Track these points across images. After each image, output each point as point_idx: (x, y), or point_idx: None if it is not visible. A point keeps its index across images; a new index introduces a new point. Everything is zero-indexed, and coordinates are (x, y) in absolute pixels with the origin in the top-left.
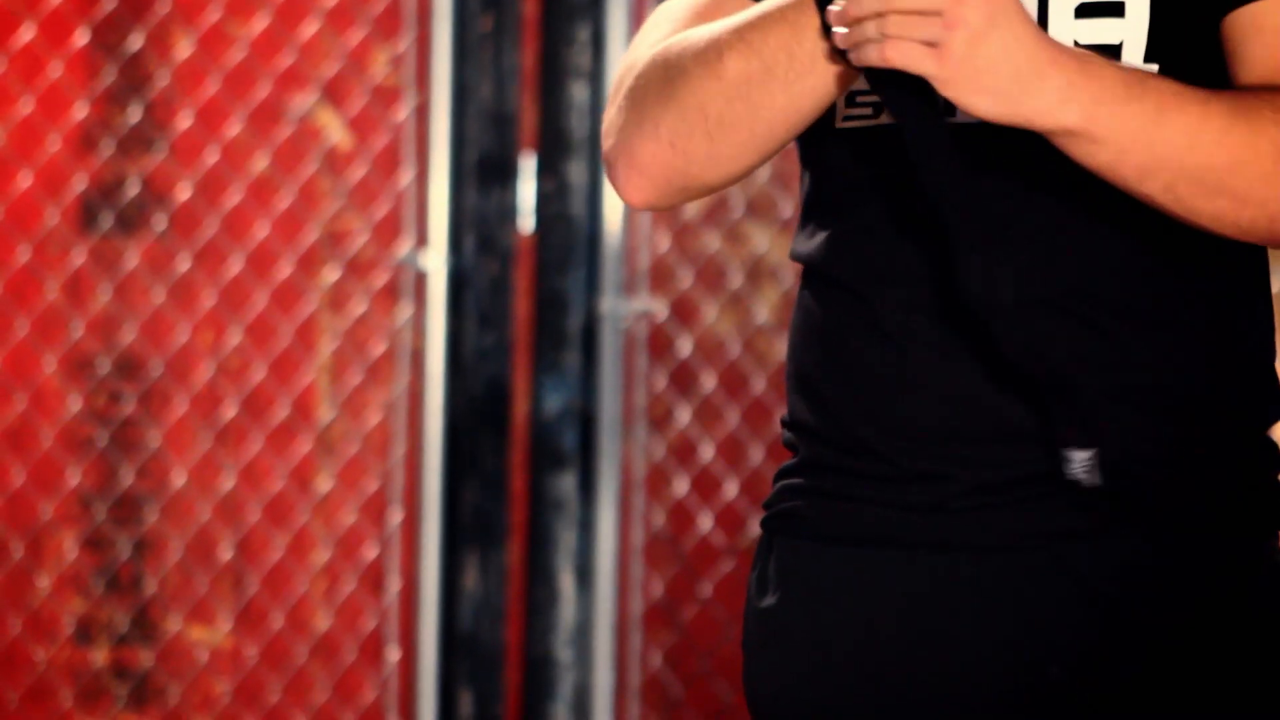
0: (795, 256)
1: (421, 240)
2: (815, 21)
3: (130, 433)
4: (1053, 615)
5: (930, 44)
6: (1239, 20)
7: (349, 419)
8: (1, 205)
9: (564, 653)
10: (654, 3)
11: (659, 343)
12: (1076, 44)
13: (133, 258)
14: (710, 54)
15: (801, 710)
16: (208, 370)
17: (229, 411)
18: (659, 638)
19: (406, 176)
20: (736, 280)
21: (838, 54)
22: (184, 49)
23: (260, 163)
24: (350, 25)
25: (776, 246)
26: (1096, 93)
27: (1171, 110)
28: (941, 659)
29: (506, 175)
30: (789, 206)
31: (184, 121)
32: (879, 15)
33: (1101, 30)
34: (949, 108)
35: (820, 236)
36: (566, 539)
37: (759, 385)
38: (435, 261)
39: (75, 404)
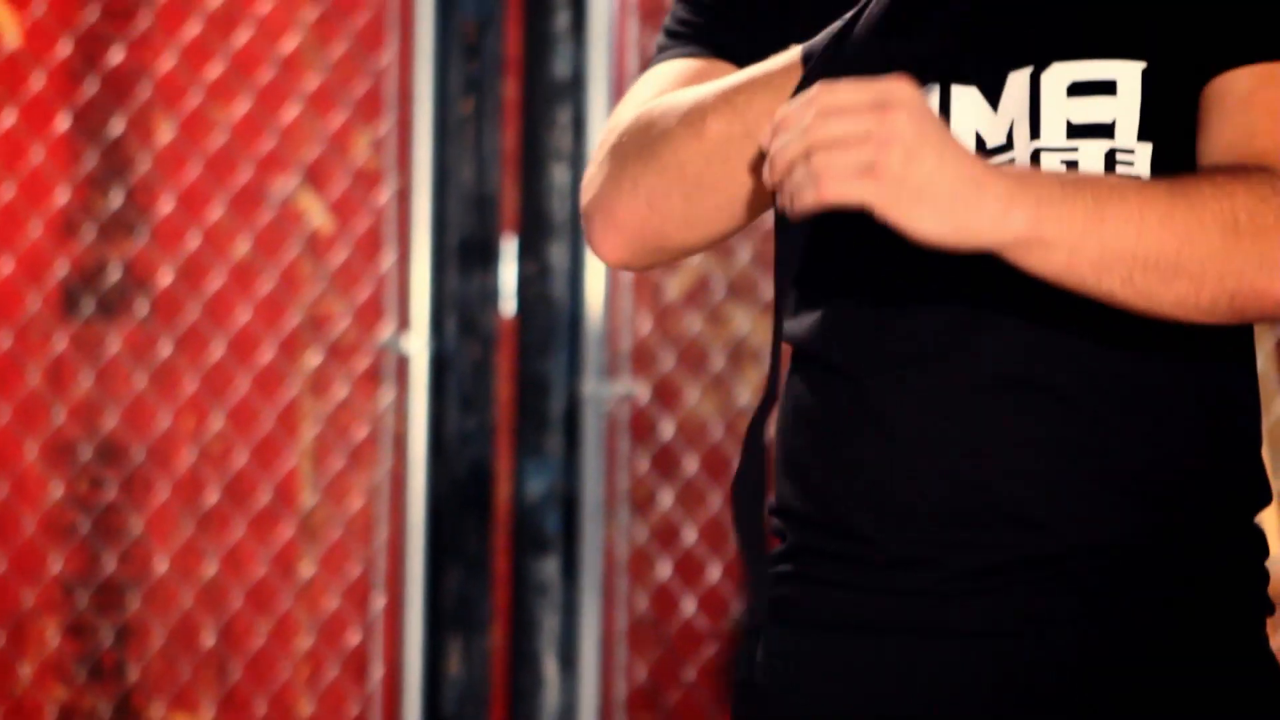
0: (786, 336)
1: (403, 323)
2: (792, 79)
3: (112, 519)
4: (1043, 700)
5: (864, 169)
6: (1210, 91)
7: (331, 504)
8: None
9: None
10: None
11: (641, 425)
12: (1069, 123)
13: (114, 343)
14: (694, 114)
15: None
16: (190, 455)
17: (211, 497)
18: None
19: (388, 260)
20: (719, 362)
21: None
22: (165, 133)
23: (242, 247)
24: (331, 109)
25: (759, 328)
26: (1037, 196)
27: (1113, 201)
28: None
29: (488, 258)
30: (770, 288)
31: (165, 206)
32: (806, 155)
33: (1094, 109)
34: None
35: (809, 319)
36: (550, 623)
37: None
38: (417, 345)
39: (57, 490)
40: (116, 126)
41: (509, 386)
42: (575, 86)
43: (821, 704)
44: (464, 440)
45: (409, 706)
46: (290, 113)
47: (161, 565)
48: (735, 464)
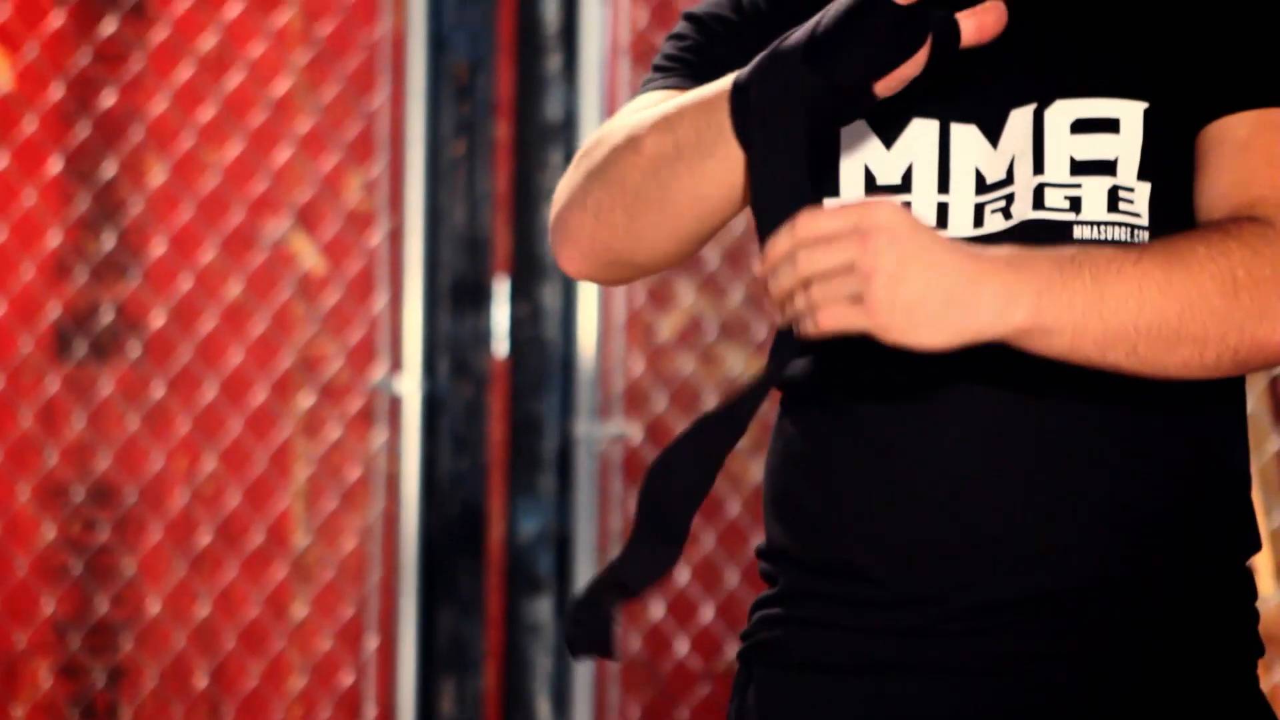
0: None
1: (396, 365)
2: (725, 107)
3: (104, 560)
4: None
5: (853, 300)
6: (1207, 134)
7: (324, 544)
8: None
9: None
10: None
11: (634, 466)
12: (1073, 159)
13: (107, 385)
14: (636, 131)
15: None
16: (182, 497)
17: (204, 538)
18: None
19: (380, 301)
20: (711, 403)
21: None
22: (157, 176)
23: (234, 288)
24: (323, 151)
25: (751, 368)
26: (1034, 284)
27: (1110, 277)
28: None
29: (480, 299)
30: (763, 328)
31: (158, 248)
32: (803, 286)
33: (1096, 146)
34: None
35: (802, 360)
36: (543, 664)
37: (734, 508)
38: (409, 386)
39: (49, 531)
40: (109, 169)
41: (501, 427)
42: (567, 128)
43: None
44: (456, 481)
45: None
46: (282, 155)
47: (154, 606)
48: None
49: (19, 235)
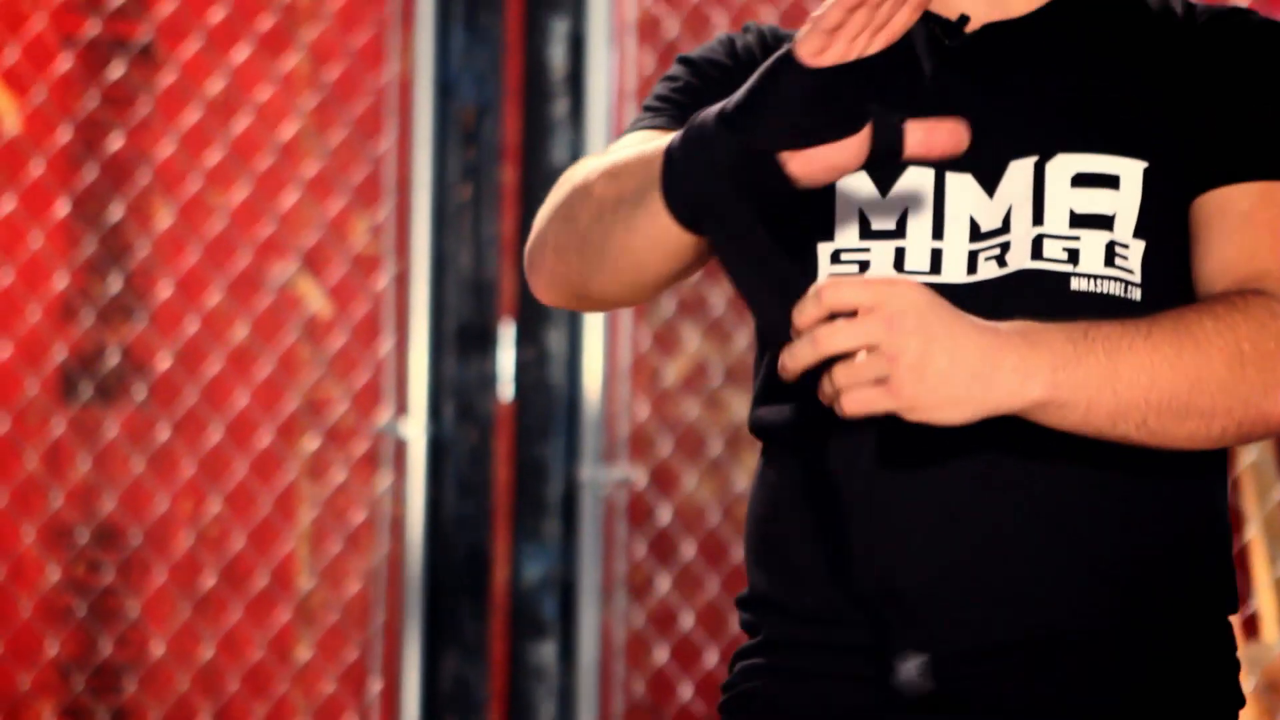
0: (763, 426)
1: (401, 408)
2: (659, 161)
3: (109, 602)
4: None
5: (879, 383)
6: (1208, 202)
7: (328, 588)
8: None
9: None
10: None
11: (639, 510)
12: (1073, 212)
13: (112, 427)
14: (591, 176)
15: None
16: (187, 539)
17: (208, 580)
18: None
19: (386, 345)
20: (716, 448)
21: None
22: (164, 219)
23: (240, 332)
24: (330, 194)
25: None
26: (1050, 360)
27: (1122, 353)
28: None
29: (486, 343)
30: None
31: (164, 291)
32: (829, 370)
33: (1096, 200)
34: None
35: (786, 408)
36: (546, 708)
37: (739, 553)
38: (415, 429)
39: (54, 573)
40: (116, 212)
41: (507, 471)
42: None
43: None
44: (461, 525)
45: None
46: (289, 198)
47: (158, 648)
48: (732, 550)
49: (26, 277)
